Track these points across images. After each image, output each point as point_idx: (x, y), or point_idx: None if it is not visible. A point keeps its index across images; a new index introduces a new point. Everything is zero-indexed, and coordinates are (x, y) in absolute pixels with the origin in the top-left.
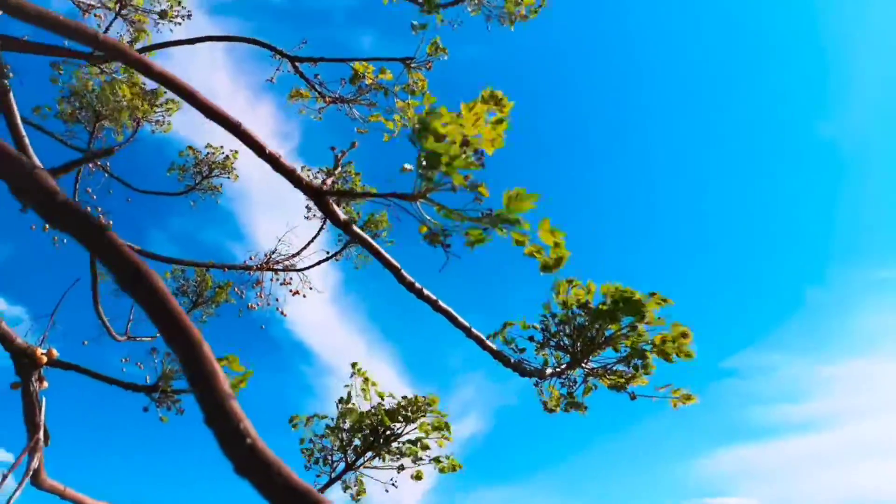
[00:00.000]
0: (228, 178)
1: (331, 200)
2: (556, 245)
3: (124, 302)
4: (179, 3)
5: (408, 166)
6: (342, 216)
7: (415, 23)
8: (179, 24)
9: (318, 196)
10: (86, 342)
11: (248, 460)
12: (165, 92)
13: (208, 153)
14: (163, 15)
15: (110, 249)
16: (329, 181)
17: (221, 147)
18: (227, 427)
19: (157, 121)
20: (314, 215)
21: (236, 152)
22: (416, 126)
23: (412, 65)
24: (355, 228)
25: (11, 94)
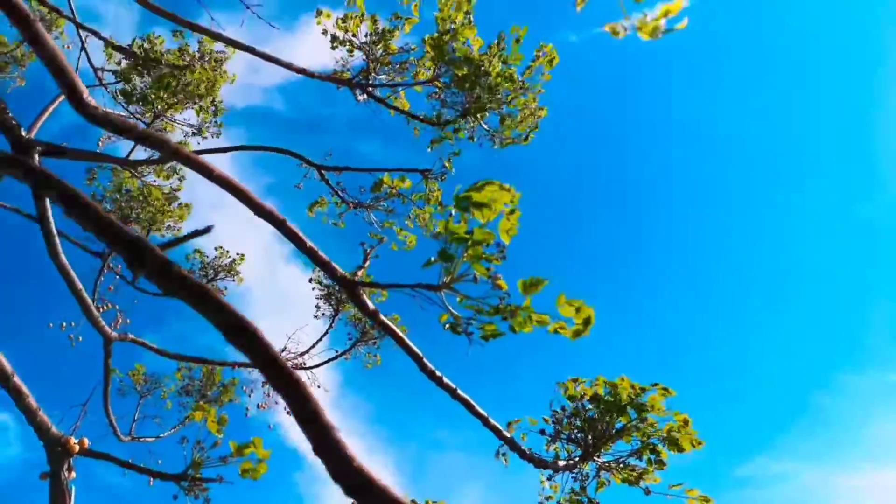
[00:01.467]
0: (234, 280)
1: (362, 291)
2: (578, 311)
3: (130, 401)
4: (216, 122)
5: (433, 259)
6: (371, 306)
7: (435, 139)
8: (206, 138)
9: (351, 287)
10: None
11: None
12: (179, 197)
13: (215, 256)
14: (199, 131)
15: (219, 307)
16: (360, 273)
17: (228, 251)
18: (335, 455)
19: (169, 226)
20: (323, 314)
21: (242, 256)
22: (458, 197)
23: (430, 176)
24: (383, 317)
25: (47, 200)
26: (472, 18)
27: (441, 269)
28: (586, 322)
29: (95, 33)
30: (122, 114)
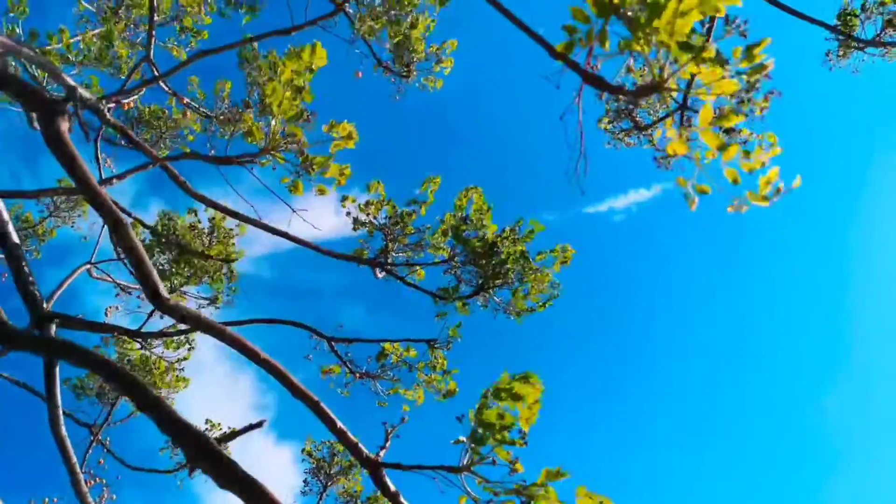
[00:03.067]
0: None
1: (384, 472)
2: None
3: None
4: (232, 287)
5: (462, 438)
6: (392, 488)
7: (440, 313)
8: (219, 309)
9: (374, 468)
10: None
11: None
12: (176, 370)
13: (205, 429)
14: (213, 300)
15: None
16: (382, 454)
17: (219, 424)
18: None
19: (164, 395)
20: (310, 490)
21: (234, 430)
22: (497, 388)
23: (435, 345)
24: (403, 500)
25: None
26: (489, 207)
27: (463, 451)
28: None
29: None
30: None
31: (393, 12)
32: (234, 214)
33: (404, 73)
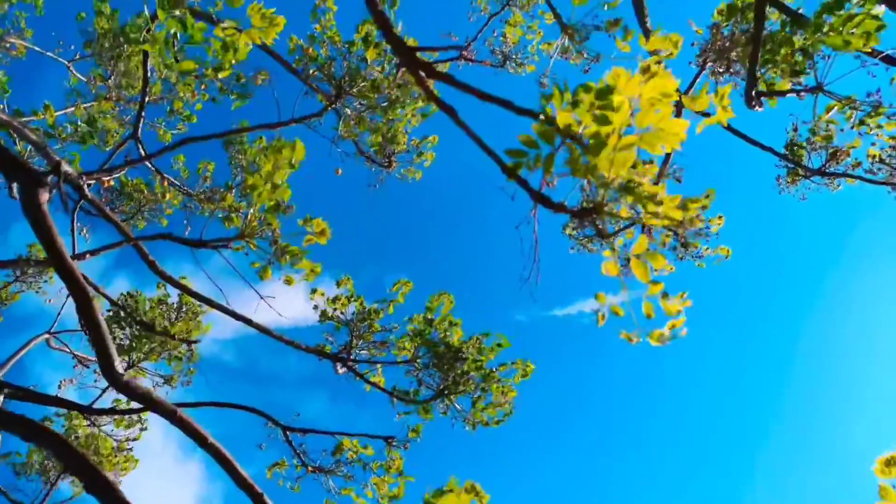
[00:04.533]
0: None
1: None
2: None
3: None
4: (191, 371)
5: None
6: None
7: (401, 413)
8: (174, 388)
9: None
10: None
11: None
12: (125, 450)
13: None
14: (168, 380)
15: None
16: None
17: None
18: None
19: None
20: None
21: None
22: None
23: (393, 443)
24: None
25: None
26: (454, 318)
27: None
28: None
29: (94, 287)
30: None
31: (378, 117)
32: (199, 297)
33: (385, 164)
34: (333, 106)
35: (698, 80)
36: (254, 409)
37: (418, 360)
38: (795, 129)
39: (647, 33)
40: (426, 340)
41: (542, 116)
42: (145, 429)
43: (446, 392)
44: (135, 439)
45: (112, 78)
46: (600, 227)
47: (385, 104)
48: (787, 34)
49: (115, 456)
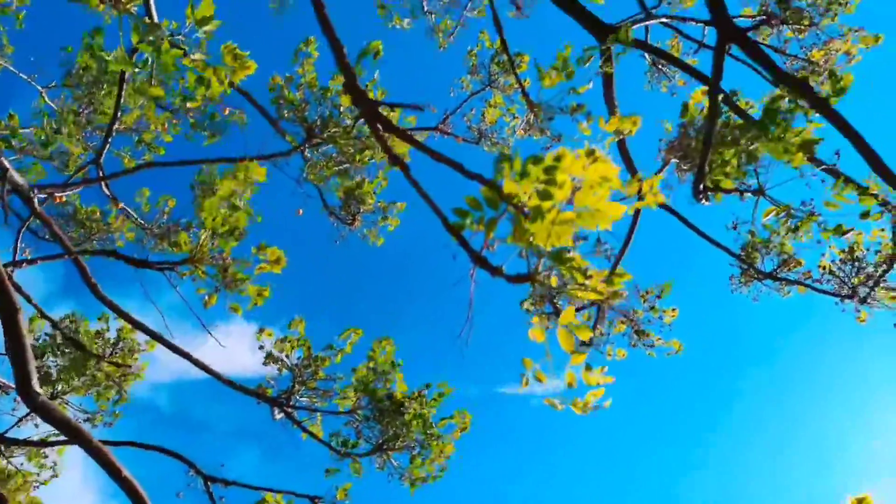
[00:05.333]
0: None
1: None
2: None
3: None
4: (116, 415)
5: None
6: None
7: (330, 469)
8: (96, 427)
9: None
10: None
11: None
12: (33, 487)
13: None
14: (91, 418)
15: None
16: None
17: None
18: None
19: None
20: None
21: None
22: None
23: (319, 503)
24: None
25: None
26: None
27: None
28: None
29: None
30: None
31: (345, 165)
32: (141, 326)
33: (349, 221)
34: (302, 148)
35: (662, 172)
36: (176, 454)
37: (359, 412)
38: (735, 227)
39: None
40: (369, 389)
41: (489, 182)
42: (56, 475)
43: (385, 446)
44: (43, 483)
45: (85, 111)
46: (558, 305)
47: (354, 151)
48: (734, 137)
49: (20, 495)
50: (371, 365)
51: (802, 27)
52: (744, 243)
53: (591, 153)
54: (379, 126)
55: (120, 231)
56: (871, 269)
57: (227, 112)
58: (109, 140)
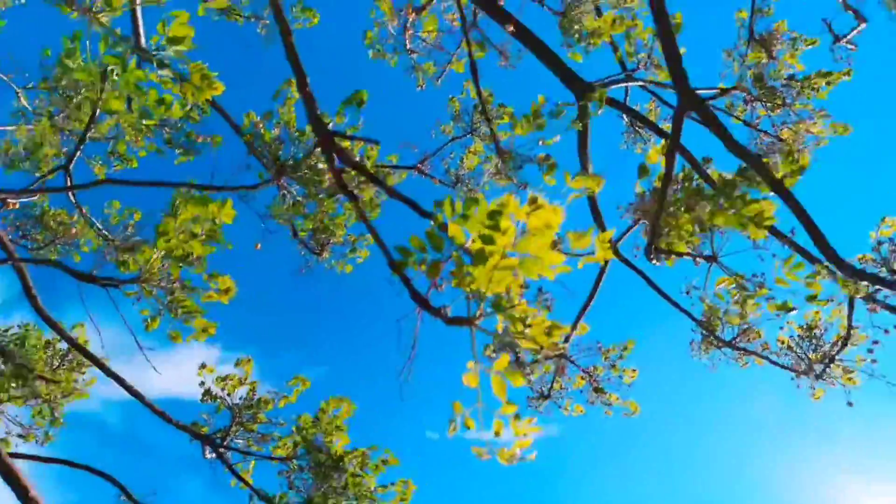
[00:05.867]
0: None
1: None
2: None
3: None
4: (48, 433)
5: None
6: None
7: None
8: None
9: None
10: None
11: None
12: None
13: None
14: (24, 435)
15: None
16: None
17: None
18: None
19: None
20: None
21: None
22: None
23: None
24: None
25: None
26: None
27: None
28: None
29: None
30: None
31: (312, 204)
32: (76, 345)
33: (317, 251)
34: (272, 183)
35: (630, 232)
36: (107, 475)
37: (295, 462)
38: (688, 293)
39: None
40: (308, 442)
41: (436, 223)
42: None
43: (316, 502)
44: None
45: (61, 113)
46: (520, 355)
47: (323, 196)
48: (689, 204)
49: None
50: (318, 416)
51: (776, 105)
52: (704, 312)
53: (533, 200)
54: (334, 155)
55: (86, 238)
56: (827, 348)
57: (199, 140)
58: (81, 147)
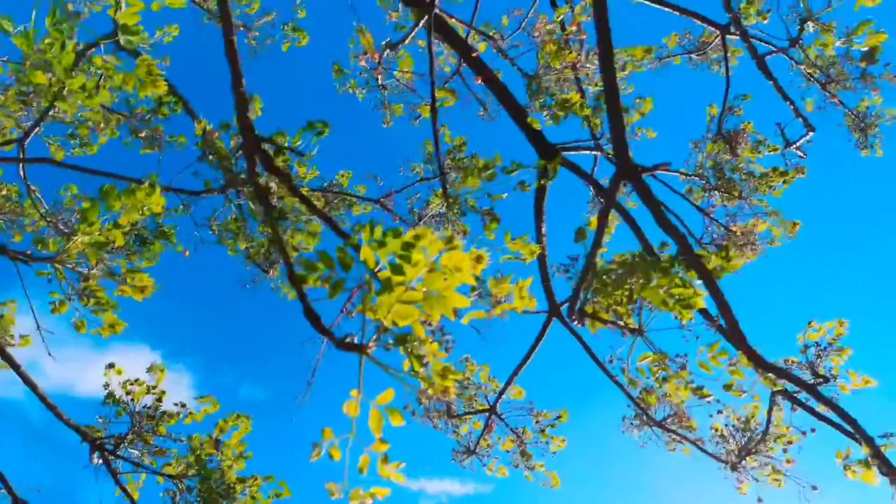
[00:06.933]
0: None
1: None
2: None
3: None
4: None
5: None
6: None
7: None
8: None
9: None
10: None
11: None
12: None
13: None
14: None
15: None
16: None
17: None
18: None
19: None
20: None
21: None
22: None
23: None
24: None
25: None
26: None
27: None
28: None
29: None
30: None
31: (255, 225)
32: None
33: (266, 269)
34: (218, 193)
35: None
36: None
37: (184, 480)
38: (612, 362)
39: (539, 237)
40: (202, 463)
41: (347, 243)
42: None
43: None
44: None
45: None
46: (452, 407)
47: (272, 218)
48: (619, 275)
49: None
50: (216, 435)
51: (732, 197)
52: (642, 389)
53: (449, 240)
54: (256, 159)
55: (31, 219)
56: (753, 443)
57: (159, 135)
58: (40, 125)
